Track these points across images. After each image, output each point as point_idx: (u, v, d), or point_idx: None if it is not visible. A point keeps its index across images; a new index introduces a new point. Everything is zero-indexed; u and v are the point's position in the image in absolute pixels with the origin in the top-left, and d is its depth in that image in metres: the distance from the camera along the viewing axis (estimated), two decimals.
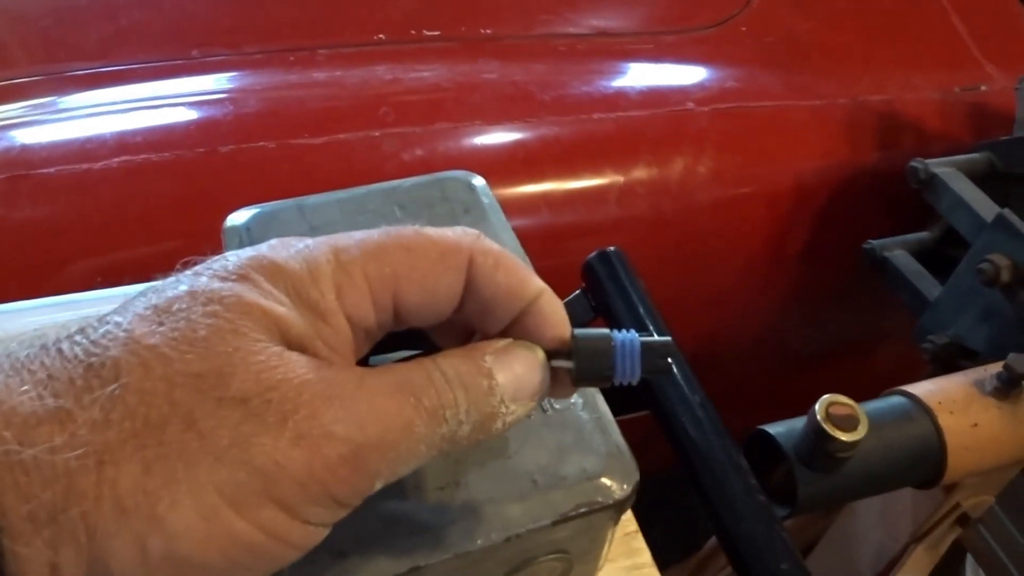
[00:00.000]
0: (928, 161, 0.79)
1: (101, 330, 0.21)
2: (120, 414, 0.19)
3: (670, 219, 0.86)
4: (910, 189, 0.82)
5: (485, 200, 0.43)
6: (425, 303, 0.24)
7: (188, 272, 0.23)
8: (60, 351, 0.20)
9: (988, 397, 0.55)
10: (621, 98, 0.89)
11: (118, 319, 0.21)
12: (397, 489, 0.31)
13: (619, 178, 0.85)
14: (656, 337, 0.27)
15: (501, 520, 0.31)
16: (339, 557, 0.29)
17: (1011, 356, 0.54)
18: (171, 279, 0.22)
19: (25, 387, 0.19)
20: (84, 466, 0.19)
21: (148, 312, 0.21)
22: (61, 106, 0.80)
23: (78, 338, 0.21)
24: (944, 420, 0.53)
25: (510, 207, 0.85)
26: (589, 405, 0.35)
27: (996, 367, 0.56)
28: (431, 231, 0.25)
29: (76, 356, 0.20)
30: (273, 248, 0.24)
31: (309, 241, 0.24)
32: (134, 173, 0.72)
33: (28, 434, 0.19)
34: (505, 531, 0.31)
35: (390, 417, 0.22)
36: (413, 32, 0.92)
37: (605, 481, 0.32)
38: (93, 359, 0.20)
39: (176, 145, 0.75)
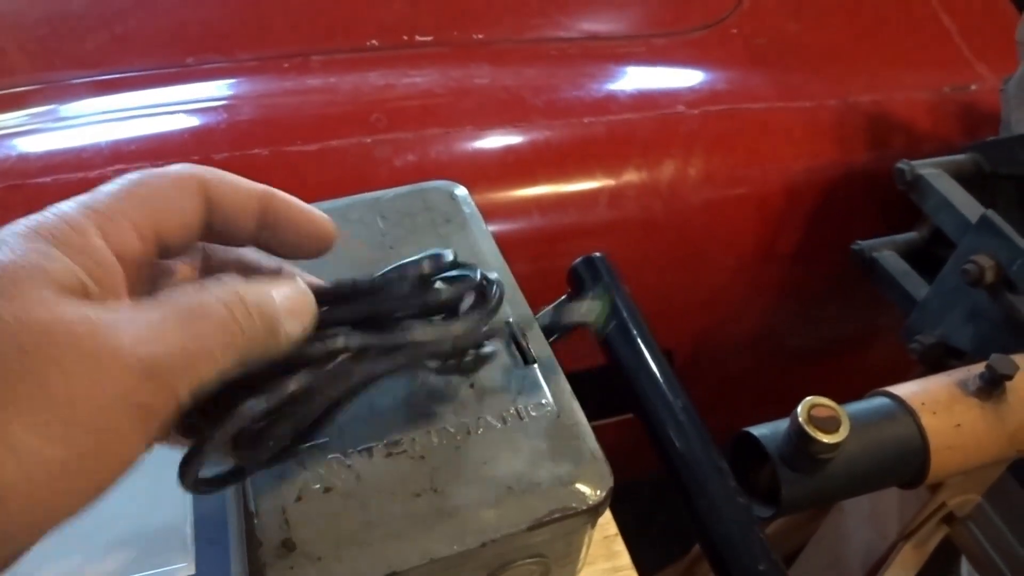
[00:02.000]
0: (914, 162, 0.79)
1: None
2: None
3: (661, 221, 0.87)
4: (898, 190, 0.82)
5: (466, 210, 0.44)
6: (179, 225, 0.27)
7: None
8: None
9: (971, 397, 0.56)
10: (612, 102, 0.90)
11: None
12: (374, 494, 0.32)
13: (610, 181, 0.85)
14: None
15: (477, 525, 0.32)
16: (316, 562, 0.30)
17: (993, 356, 0.55)
18: None
19: None
20: None
21: None
22: (56, 115, 0.80)
23: None
24: (927, 420, 0.54)
25: (501, 211, 0.86)
26: (565, 412, 0.35)
27: (980, 367, 0.56)
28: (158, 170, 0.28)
29: None
30: (26, 218, 0.25)
31: (59, 204, 0.26)
32: None
33: None
34: (481, 536, 0.32)
35: (173, 338, 0.24)
36: (405, 38, 0.92)
37: (580, 487, 0.33)
38: None
39: (171, 153, 0.76)
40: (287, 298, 0.27)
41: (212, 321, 0.25)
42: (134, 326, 0.23)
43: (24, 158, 0.74)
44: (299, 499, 0.31)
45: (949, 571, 0.92)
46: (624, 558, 0.41)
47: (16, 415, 0.21)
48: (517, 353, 0.37)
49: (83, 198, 0.26)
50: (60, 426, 0.21)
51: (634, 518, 0.51)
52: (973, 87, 1.00)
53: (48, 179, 0.72)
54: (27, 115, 0.80)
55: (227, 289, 0.26)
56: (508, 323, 0.38)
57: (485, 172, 0.83)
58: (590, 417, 0.36)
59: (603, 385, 0.59)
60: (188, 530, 0.34)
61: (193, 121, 0.80)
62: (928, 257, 0.84)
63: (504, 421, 0.35)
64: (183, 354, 0.23)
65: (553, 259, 0.80)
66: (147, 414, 0.23)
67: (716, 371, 1.03)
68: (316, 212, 0.30)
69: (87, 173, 0.73)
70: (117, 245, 0.25)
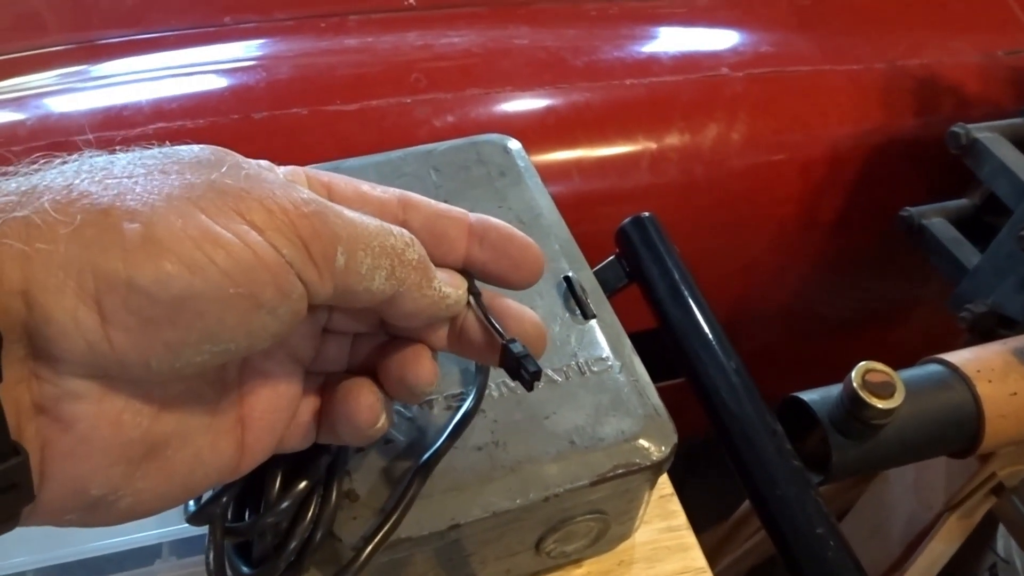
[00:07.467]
0: (970, 126, 0.77)
1: None
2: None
3: (702, 186, 0.85)
4: (947, 156, 0.80)
5: (521, 163, 0.43)
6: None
7: None
8: None
9: None
10: (654, 63, 0.88)
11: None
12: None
13: (651, 144, 0.84)
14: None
15: (539, 480, 0.31)
16: (379, 514, 0.29)
17: None
18: None
19: None
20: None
21: None
22: (95, 74, 0.80)
23: None
24: (982, 388, 0.53)
25: (542, 173, 0.84)
26: (627, 368, 0.35)
27: None
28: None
29: None
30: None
31: None
32: (170, 139, 0.73)
33: None
34: (543, 491, 0.31)
35: (357, 218, 0.25)
36: None
37: (643, 443, 0.33)
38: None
39: (211, 112, 0.75)
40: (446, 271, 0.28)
41: (379, 226, 0.25)
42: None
43: (66, 116, 0.74)
44: (360, 450, 0.31)
45: (984, 540, 0.91)
46: (680, 518, 0.40)
47: (183, 190, 0.22)
48: (577, 308, 0.36)
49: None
50: (225, 210, 0.22)
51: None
52: None
53: (90, 136, 0.71)
54: (65, 74, 0.80)
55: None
56: (567, 277, 0.37)
57: (525, 133, 0.81)
58: None
59: (649, 349, 0.58)
60: None
61: (232, 80, 0.79)
62: (979, 224, 0.82)
63: (565, 376, 0.34)
64: (351, 223, 0.24)
65: (593, 223, 0.78)
66: (304, 249, 0.23)
67: (753, 340, 1.02)
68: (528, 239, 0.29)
69: (128, 131, 0.72)
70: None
